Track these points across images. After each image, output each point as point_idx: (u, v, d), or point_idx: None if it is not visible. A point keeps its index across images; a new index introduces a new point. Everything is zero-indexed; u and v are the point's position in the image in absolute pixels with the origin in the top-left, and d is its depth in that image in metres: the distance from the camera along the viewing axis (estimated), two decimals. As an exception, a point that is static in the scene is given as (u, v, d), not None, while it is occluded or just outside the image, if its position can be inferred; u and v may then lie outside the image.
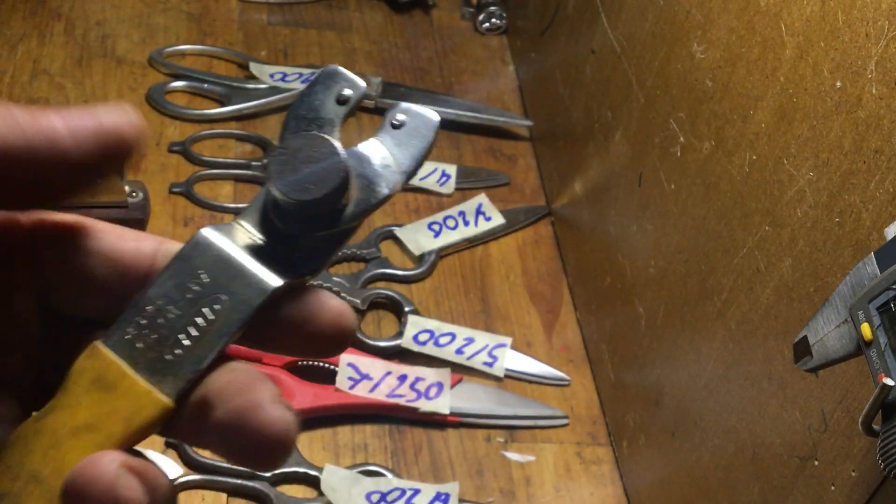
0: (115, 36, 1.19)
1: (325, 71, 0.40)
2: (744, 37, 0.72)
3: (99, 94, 1.12)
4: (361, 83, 0.40)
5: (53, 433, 0.34)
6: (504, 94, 1.25)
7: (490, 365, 0.96)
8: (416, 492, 0.85)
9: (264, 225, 0.38)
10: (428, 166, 1.12)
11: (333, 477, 0.85)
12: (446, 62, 1.28)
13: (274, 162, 0.37)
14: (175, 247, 0.37)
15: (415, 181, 1.11)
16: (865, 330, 0.49)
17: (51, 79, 1.12)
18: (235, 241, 0.38)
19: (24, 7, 1.19)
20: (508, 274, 1.06)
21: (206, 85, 1.15)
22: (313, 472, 0.85)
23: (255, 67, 1.16)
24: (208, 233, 0.38)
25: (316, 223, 0.37)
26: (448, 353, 0.95)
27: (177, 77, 1.16)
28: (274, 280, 0.37)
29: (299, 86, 1.15)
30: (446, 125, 1.19)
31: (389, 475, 0.87)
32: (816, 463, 0.62)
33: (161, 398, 0.35)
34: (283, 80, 1.15)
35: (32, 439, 0.34)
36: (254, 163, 1.08)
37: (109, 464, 0.32)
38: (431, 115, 0.40)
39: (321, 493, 0.84)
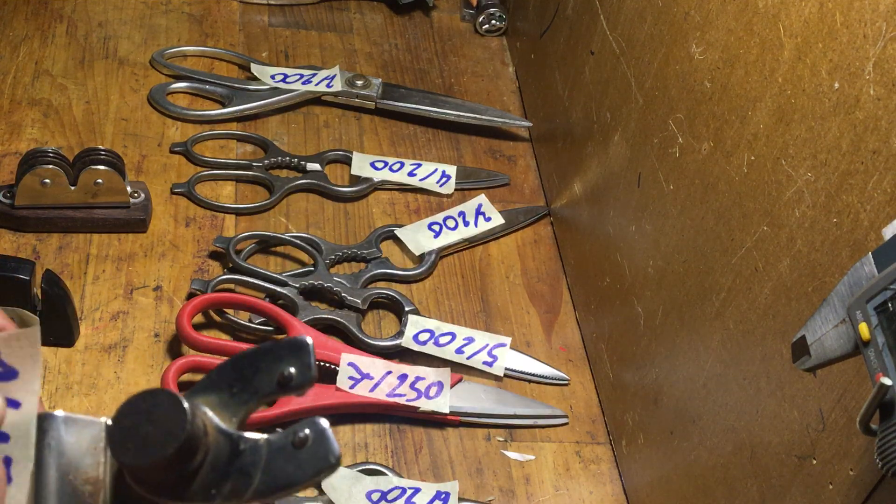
0: (116, 37, 1.19)
1: (296, 340, 0.37)
2: (742, 38, 0.72)
3: (101, 95, 1.12)
4: (312, 376, 0.37)
5: None
6: (504, 95, 1.25)
7: (490, 364, 0.96)
8: (417, 490, 0.85)
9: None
10: (428, 167, 1.13)
11: (334, 476, 0.85)
12: (446, 63, 1.28)
13: (127, 405, 0.35)
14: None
15: (415, 182, 1.11)
16: (863, 330, 0.49)
17: (53, 80, 1.12)
18: (74, 443, 0.35)
19: (27, 8, 1.19)
20: (508, 274, 1.07)
21: (207, 86, 1.16)
22: (314, 471, 0.86)
23: (256, 69, 1.17)
24: (56, 422, 0.35)
25: (139, 483, 0.35)
26: (448, 352, 0.96)
27: (178, 78, 1.16)
28: None
29: (300, 87, 1.16)
30: (446, 126, 1.19)
31: (390, 474, 0.87)
32: (814, 462, 0.63)
33: None
34: (284, 81, 1.16)
35: None
36: (255, 163, 1.08)
37: None
38: (330, 456, 0.35)
39: (322, 492, 0.85)
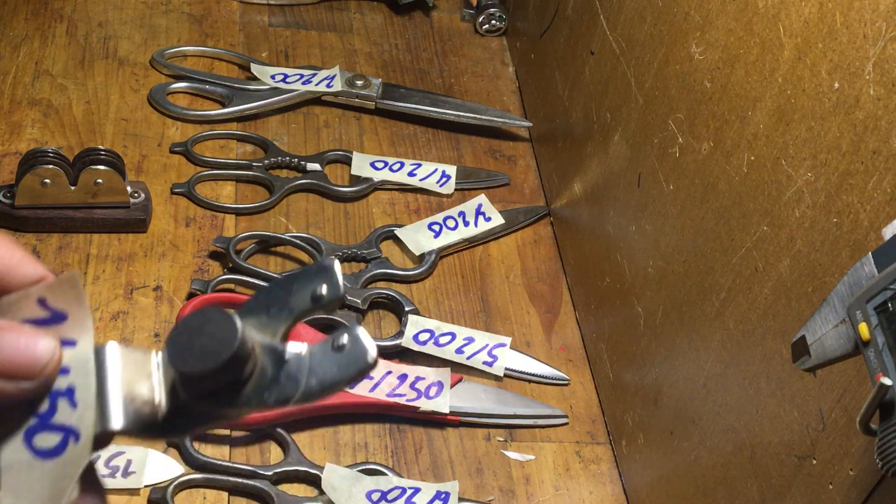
0: (117, 37, 1.19)
1: (322, 263, 0.40)
2: (742, 38, 0.72)
3: (101, 95, 1.12)
4: (341, 292, 0.40)
5: None
6: (504, 95, 1.25)
7: (490, 364, 0.96)
8: (417, 490, 0.86)
9: (169, 371, 0.39)
10: (428, 167, 1.13)
11: (334, 476, 0.85)
12: (446, 63, 1.28)
13: (181, 322, 0.38)
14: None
15: (415, 182, 1.11)
16: (863, 329, 0.49)
17: (53, 80, 1.12)
18: (128, 371, 0.38)
19: (27, 8, 1.20)
20: (508, 274, 1.07)
21: (207, 86, 1.16)
22: (314, 471, 0.86)
23: (256, 69, 1.17)
24: (111, 351, 0.38)
25: (195, 393, 0.38)
26: (448, 352, 0.96)
27: (178, 78, 1.16)
28: (116, 423, 0.37)
29: (300, 87, 1.16)
30: (446, 126, 1.20)
31: (390, 474, 0.87)
32: (814, 462, 0.63)
33: None
34: (284, 81, 1.16)
35: None
36: (255, 163, 1.09)
37: None
38: (367, 356, 0.38)
39: (322, 492, 0.85)
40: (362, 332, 0.38)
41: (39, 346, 0.37)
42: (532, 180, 1.17)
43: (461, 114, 1.19)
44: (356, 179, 1.10)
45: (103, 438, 0.38)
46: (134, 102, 1.13)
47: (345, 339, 0.39)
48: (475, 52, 1.30)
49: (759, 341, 0.69)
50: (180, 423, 0.38)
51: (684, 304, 0.80)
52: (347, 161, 1.12)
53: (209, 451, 0.86)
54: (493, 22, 1.32)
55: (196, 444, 0.86)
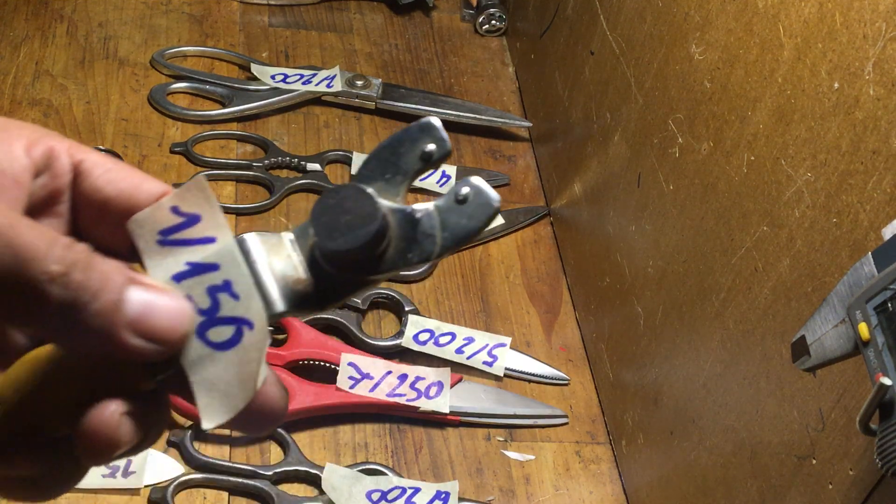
0: (117, 37, 1.19)
1: (422, 123, 0.41)
2: (742, 38, 0.72)
3: (101, 96, 1.12)
4: (449, 146, 0.41)
5: (55, 372, 0.38)
6: (504, 96, 1.25)
7: (490, 364, 0.96)
8: (417, 490, 0.86)
9: (307, 248, 0.40)
10: (428, 167, 1.13)
11: (334, 476, 0.85)
12: (446, 63, 1.28)
13: (320, 203, 0.39)
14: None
15: (415, 182, 1.11)
16: (863, 329, 0.49)
17: (53, 80, 1.12)
18: (270, 257, 0.40)
19: (27, 8, 1.20)
20: (508, 274, 1.07)
21: (207, 86, 1.16)
22: (314, 471, 0.86)
23: (256, 69, 1.17)
24: (251, 241, 0.40)
25: (343, 267, 0.39)
26: (448, 352, 0.96)
27: (178, 78, 1.16)
28: (278, 305, 0.39)
29: (300, 87, 1.16)
30: (446, 126, 1.19)
31: (390, 474, 0.87)
32: (814, 462, 0.63)
33: (147, 379, 0.38)
34: (284, 81, 1.16)
35: (36, 371, 0.38)
36: (255, 164, 1.09)
37: (112, 414, 0.37)
38: (492, 201, 0.40)
39: (322, 492, 0.85)
40: (481, 181, 0.40)
41: (186, 313, 0.38)
42: (532, 180, 1.17)
43: (461, 114, 1.19)
44: (356, 179, 1.10)
45: (269, 322, 0.39)
46: (134, 102, 1.13)
47: (466, 190, 0.40)
48: (475, 53, 1.30)
49: (759, 341, 0.69)
50: (330, 296, 0.40)
51: (684, 304, 0.80)
52: (347, 161, 1.12)
53: (209, 451, 0.86)
54: (493, 22, 1.32)
55: (196, 444, 0.86)
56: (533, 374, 0.98)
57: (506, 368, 0.97)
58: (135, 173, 0.41)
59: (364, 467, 0.87)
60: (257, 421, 0.40)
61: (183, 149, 1.08)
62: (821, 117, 0.63)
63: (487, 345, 0.97)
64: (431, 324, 0.97)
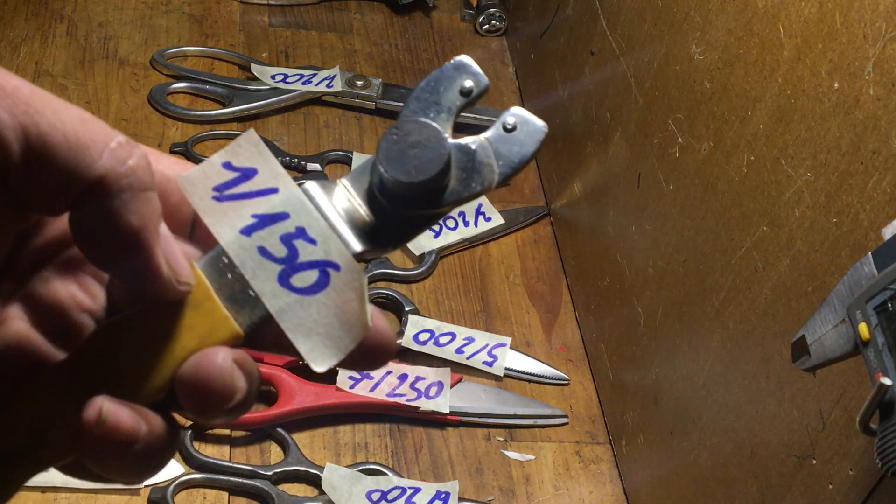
0: (117, 37, 1.19)
1: (455, 62, 0.41)
2: (742, 38, 0.72)
3: (101, 96, 1.12)
4: (485, 79, 0.42)
5: (138, 334, 0.37)
6: (504, 96, 1.25)
7: (490, 364, 0.96)
8: (417, 490, 0.86)
9: (364, 191, 0.40)
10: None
11: (334, 475, 0.85)
12: (446, 63, 1.28)
13: (385, 140, 0.39)
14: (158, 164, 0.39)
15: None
16: (863, 329, 0.49)
17: (53, 80, 1.12)
18: (333, 201, 0.39)
19: (27, 8, 1.20)
20: (508, 274, 1.07)
21: (207, 86, 1.16)
22: (314, 471, 0.86)
23: (256, 69, 1.17)
24: (312, 188, 0.39)
25: (409, 203, 0.39)
26: (448, 352, 0.96)
27: (179, 78, 1.16)
28: (356, 246, 0.39)
29: (300, 87, 1.16)
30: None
31: (390, 474, 0.87)
32: (814, 462, 0.63)
33: (234, 326, 0.37)
34: (284, 81, 1.16)
35: (119, 336, 0.37)
36: (255, 163, 1.08)
37: (224, 360, 0.36)
38: (540, 126, 0.41)
39: (322, 492, 0.85)
40: (524, 111, 0.41)
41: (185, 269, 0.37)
42: (532, 180, 1.17)
43: (461, 114, 1.19)
44: (356, 179, 1.10)
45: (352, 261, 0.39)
46: (134, 102, 1.13)
47: (512, 119, 0.41)
48: (475, 52, 1.30)
49: (759, 341, 0.69)
50: (399, 233, 0.40)
51: (684, 304, 0.80)
52: (347, 161, 1.12)
53: (209, 451, 0.86)
54: (493, 22, 1.32)
55: (196, 444, 0.86)
56: (533, 374, 0.98)
57: (506, 368, 0.97)
58: (182, 161, 0.40)
59: (364, 467, 0.87)
60: (371, 358, 0.39)
61: (183, 149, 1.08)
62: (821, 117, 0.63)
63: (487, 345, 0.97)
64: (431, 324, 0.97)
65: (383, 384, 0.91)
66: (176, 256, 0.37)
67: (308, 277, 0.38)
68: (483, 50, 1.31)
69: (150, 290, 0.36)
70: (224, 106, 1.14)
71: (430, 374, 0.93)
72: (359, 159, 1.12)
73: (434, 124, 0.40)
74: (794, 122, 0.66)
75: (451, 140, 0.40)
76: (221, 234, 0.38)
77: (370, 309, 0.38)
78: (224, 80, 1.16)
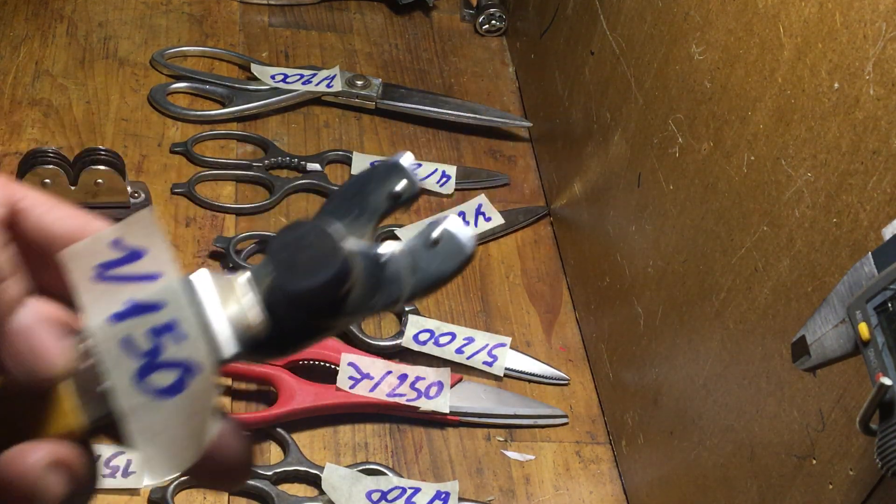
0: (117, 37, 1.19)
1: (392, 161, 0.39)
2: (742, 38, 0.72)
3: (101, 96, 1.12)
4: (418, 187, 0.39)
5: None
6: (504, 96, 1.25)
7: (490, 364, 0.96)
8: (417, 490, 0.86)
9: (262, 289, 0.37)
10: (428, 167, 1.13)
11: (334, 476, 0.85)
12: (446, 63, 1.28)
13: (278, 238, 0.36)
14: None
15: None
16: (863, 329, 0.49)
17: (53, 80, 1.12)
18: (224, 296, 0.37)
19: (27, 8, 1.20)
20: (508, 274, 1.07)
21: (207, 86, 1.16)
22: (314, 471, 0.86)
23: (256, 69, 1.17)
24: (201, 279, 0.37)
25: (299, 309, 0.36)
26: (448, 352, 0.96)
27: (178, 78, 1.16)
28: (228, 349, 0.36)
29: (300, 87, 1.16)
30: (446, 126, 1.20)
31: (390, 474, 0.87)
32: (814, 462, 0.63)
33: (77, 419, 0.35)
34: (284, 81, 1.16)
35: None
36: (255, 164, 1.09)
37: (38, 461, 0.34)
38: (467, 247, 0.37)
39: (322, 492, 0.85)
40: (455, 224, 0.37)
41: (55, 353, 0.35)
42: (532, 180, 1.17)
43: (461, 114, 1.19)
44: (356, 179, 1.10)
45: (219, 367, 0.37)
46: (134, 102, 1.13)
47: (438, 233, 0.37)
48: (475, 52, 1.30)
49: (759, 341, 0.69)
50: (288, 341, 0.37)
51: (684, 304, 0.80)
52: (347, 161, 1.12)
53: (209, 451, 0.86)
54: (493, 22, 1.32)
55: (196, 444, 0.86)
56: (533, 374, 0.98)
57: (506, 368, 0.97)
58: (80, 213, 0.38)
59: (364, 467, 0.87)
60: (217, 476, 0.36)
61: (183, 149, 1.08)
62: (821, 117, 0.63)
63: (487, 345, 0.97)
64: (431, 324, 0.97)
65: (383, 384, 0.91)
66: (40, 346, 0.35)
67: (165, 378, 0.35)
68: (483, 50, 1.31)
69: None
70: (224, 106, 1.14)
71: (430, 374, 0.93)
72: (359, 159, 1.12)
73: (332, 232, 0.36)
74: (794, 122, 0.66)
75: (364, 247, 0.37)
76: (91, 316, 0.36)
77: (217, 422, 0.36)
78: (224, 80, 1.16)
